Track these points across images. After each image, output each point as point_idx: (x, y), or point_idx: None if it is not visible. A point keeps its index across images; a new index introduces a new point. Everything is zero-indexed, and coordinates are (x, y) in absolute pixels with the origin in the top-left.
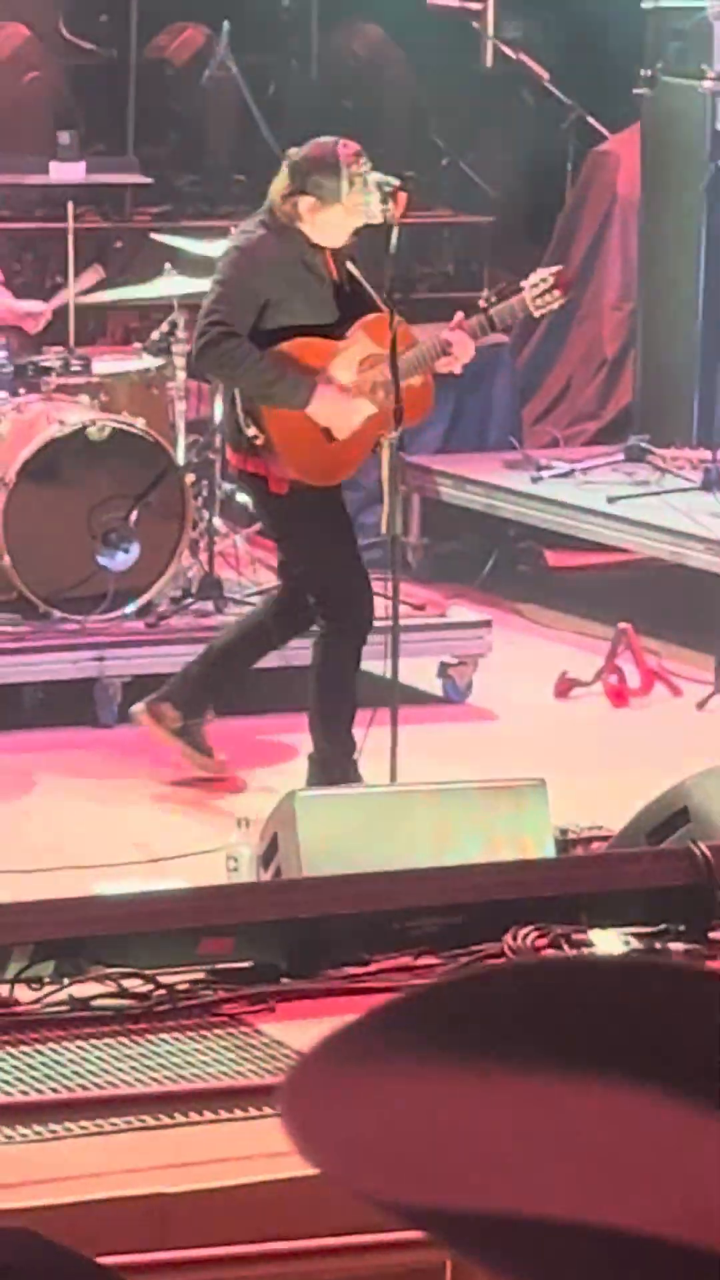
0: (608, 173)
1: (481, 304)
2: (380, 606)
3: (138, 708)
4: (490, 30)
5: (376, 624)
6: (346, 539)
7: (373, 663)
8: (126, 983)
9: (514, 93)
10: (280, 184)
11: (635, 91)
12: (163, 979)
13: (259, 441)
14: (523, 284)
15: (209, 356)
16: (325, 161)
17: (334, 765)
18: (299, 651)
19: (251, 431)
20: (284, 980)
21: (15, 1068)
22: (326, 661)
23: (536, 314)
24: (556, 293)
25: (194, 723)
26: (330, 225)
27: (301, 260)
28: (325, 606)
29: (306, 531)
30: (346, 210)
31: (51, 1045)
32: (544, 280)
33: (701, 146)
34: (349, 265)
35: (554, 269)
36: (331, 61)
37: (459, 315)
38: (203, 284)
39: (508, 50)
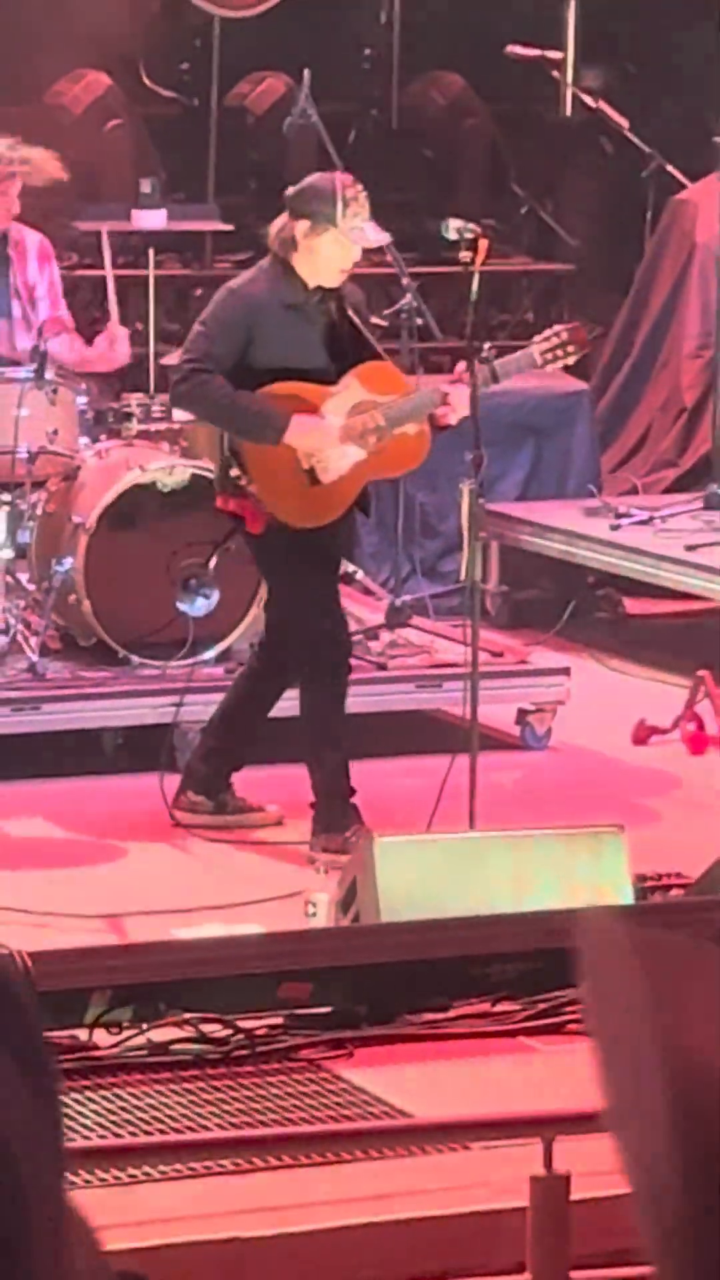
0: (687, 221)
1: (486, 355)
2: (459, 653)
3: (176, 815)
4: (570, 79)
5: (457, 671)
6: (322, 582)
7: (452, 708)
8: (205, 1027)
9: (593, 141)
10: (278, 220)
11: (714, 140)
12: (241, 1024)
13: (242, 482)
14: (534, 338)
15: (181, 391)
16: (320, 187)
17: (329, 811)
18: (377, 699)
19: (234, 472)
20: (363, 1026)
21: (95, 1111)
22: (304, 708)
23: (548, 369)
24: (570, 349)
25: (225, 795)
26: (325, 253)
27: (291, 302)
28: (297, 650)
29: (281, 572)
30: (341, 234)
31: (130, 1090)
32: (557, 335)
33: None
34: (351, 313)
35: (570, 325)
36: (412, 110)
37: (460, 366)
38: None
39: (587, 99)
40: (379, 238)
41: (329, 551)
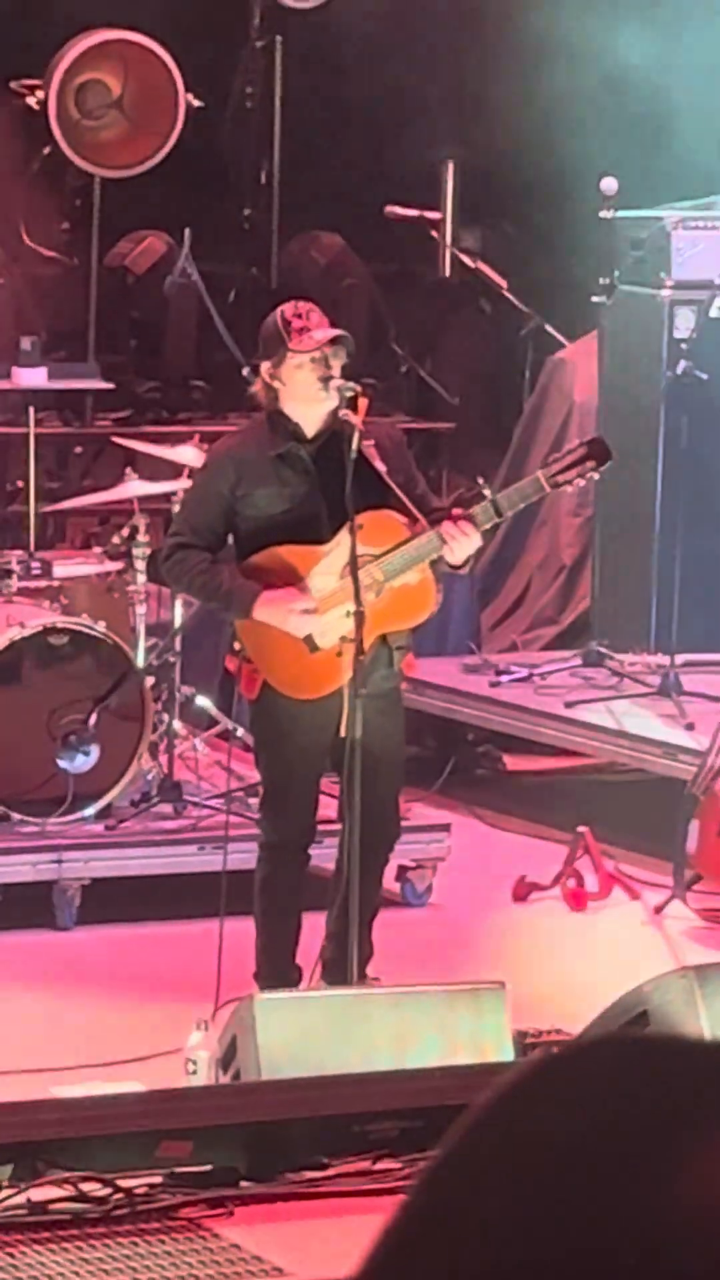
0: (565, 380)
1: (486, 493)
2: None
3: None
4: (449, 239)
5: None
6: (303, 759)
7: (328, 864)
8: (85, 1186)
9: (472, 301)
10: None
11: (593, 300)
12: (121, 1183)
13: (239, 650)
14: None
15: (162, 569)
16: (267, 324)
17: (268, 976)
18: (252, 856)
19: (237, 646)
20: (242, 1184)
21: None
22: (257, 872)
23: (565, 489)
24: (590, 464)
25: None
26: (295, 380)
27: (279, 452)
28: (261, 816)
29: (264, 738)
30: (296, 356)
31: (9, 1250)
32: (571, 452)
33: (658, 354)
34: (373, 458)
35: (590, 439)
36: (292, 269)
37: (457, 510)
38: (162, 488)
39: (466, 259)
40: (325, 335)
41: (321, 727)
